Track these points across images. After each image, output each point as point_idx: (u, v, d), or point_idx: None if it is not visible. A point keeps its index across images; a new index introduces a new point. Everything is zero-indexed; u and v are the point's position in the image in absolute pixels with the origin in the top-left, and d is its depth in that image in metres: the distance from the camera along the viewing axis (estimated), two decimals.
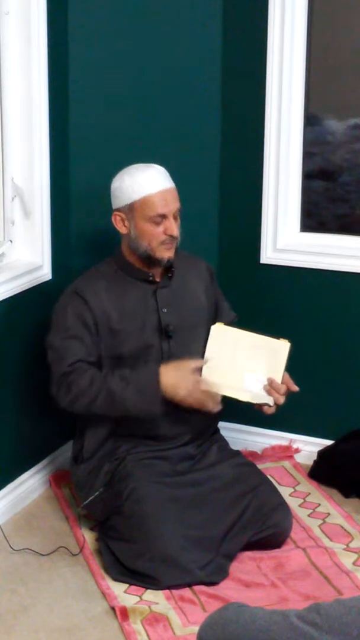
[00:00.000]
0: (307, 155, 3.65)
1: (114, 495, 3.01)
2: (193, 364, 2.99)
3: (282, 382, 3.08)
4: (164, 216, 3.01)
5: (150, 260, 3.06)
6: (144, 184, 3.00)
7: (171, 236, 3.02)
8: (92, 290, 3.06)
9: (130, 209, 3.02)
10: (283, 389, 3.08)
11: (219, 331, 3.15)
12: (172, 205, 3.02)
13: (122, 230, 3.06)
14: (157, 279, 3.12)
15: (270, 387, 3.07)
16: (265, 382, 3.07)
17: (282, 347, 3.09)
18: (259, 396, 3.07)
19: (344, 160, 3.65)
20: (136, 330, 3.07)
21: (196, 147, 3.64)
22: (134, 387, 2.94)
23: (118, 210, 3.06)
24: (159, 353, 3.07)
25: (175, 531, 2.89)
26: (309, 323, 3.66)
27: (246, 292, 3.69)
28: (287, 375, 3.11)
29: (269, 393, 3.07)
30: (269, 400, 3.07)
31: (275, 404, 3.08)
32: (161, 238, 3.02)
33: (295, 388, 3.12)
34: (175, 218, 3.04)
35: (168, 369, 2.97)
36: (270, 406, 3.08)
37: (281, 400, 3.08)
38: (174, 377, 2.95)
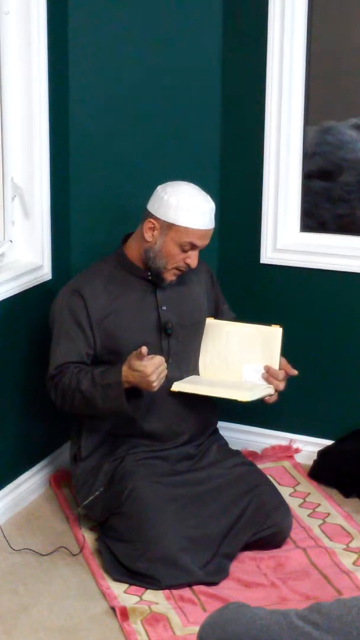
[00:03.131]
0: (307, 155, 3.65)
1: (113, 496, 3.00)
2: (135, 356, 2.86)
3: (279, 368, 3.09)
4: (194, 247, 3.03)
5: (155, 274, 3.06)
6: (196, 217, 2.99)
7: (188, 266, 3.04)
8: (91, 287, 3.06)
9: (168, 227, 3.00)
10: (281, 374, 3.08)
11: (211, 326, 3.16)
12: (206, 242, 3.06)
13: (148, 237, 3.03)
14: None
15: (268, 374, 3.07)
16: (263, 371, 3.08)
17: (275, 333, 3.09)
18: (258, 389, 3.05)
19: (344, 160, 3.65)
20: (135, 327, 3.06)
21: (196, 147, 3.64)
22: (101, 390, 2.92)
23: (155, 218, 3.01)
24: (158, 351, 3.05)
25: (175, 531, 2.89)
26: (309, 323, 3.65)
27: (246, 292, 3.69)
28: (284, 360, 3.12)
29: (267, 381, 3.08)
30: (269, 390, 3.07)
31: (276, 390, 3.08)
32: (179, 264, 3.04)
33: (294, 372, 3.12)
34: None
35: (127, 369, 2.87)
36: (271, 395, 3.08)
37: (281, 386, 3.09)
38: (134, 376, 2.88)
